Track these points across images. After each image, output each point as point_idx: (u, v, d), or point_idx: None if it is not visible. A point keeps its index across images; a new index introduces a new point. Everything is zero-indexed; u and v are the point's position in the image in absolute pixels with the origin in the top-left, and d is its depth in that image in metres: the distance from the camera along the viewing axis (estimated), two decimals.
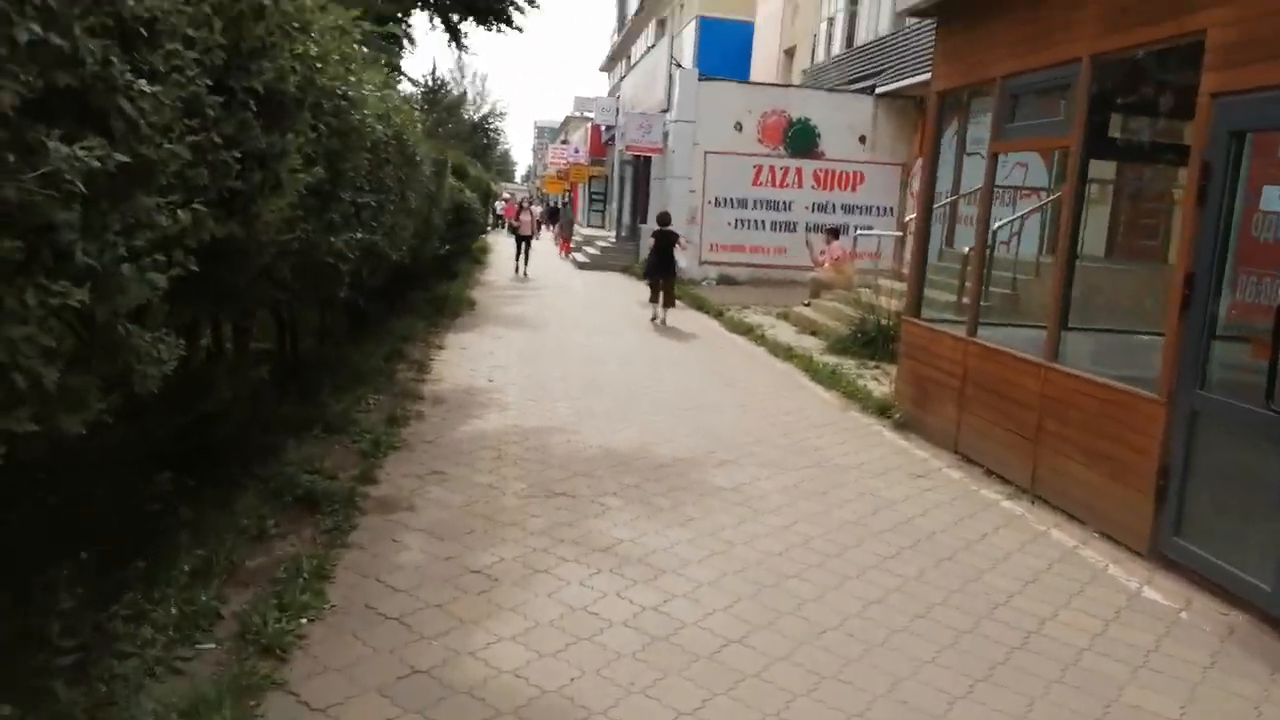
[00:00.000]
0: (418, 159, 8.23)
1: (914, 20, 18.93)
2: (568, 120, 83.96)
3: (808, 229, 21.14)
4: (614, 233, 29.59)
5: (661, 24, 44.20)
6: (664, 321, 13.51)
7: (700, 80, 20.91)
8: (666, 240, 14.20)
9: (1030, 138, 7.17)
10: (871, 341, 11.11)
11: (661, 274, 13.75)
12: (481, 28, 28.56)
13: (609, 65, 61.78)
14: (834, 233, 15.26)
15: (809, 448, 7.11)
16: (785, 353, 11.47)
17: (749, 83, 24.13)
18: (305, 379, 7.76)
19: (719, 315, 15.19)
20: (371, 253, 6.36)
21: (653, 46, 35.70)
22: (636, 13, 49.14)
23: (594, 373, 9.62)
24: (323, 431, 6.42)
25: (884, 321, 11.15)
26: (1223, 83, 4.53)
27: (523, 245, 21.95)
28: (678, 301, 17.17)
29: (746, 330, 13.35)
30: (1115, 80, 6.41)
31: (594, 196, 43.22)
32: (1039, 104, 7.23)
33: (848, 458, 6.91)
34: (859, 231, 16.98)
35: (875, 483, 6.28)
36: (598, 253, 26.44)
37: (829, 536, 5.15)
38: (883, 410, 8.43)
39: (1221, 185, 4.52)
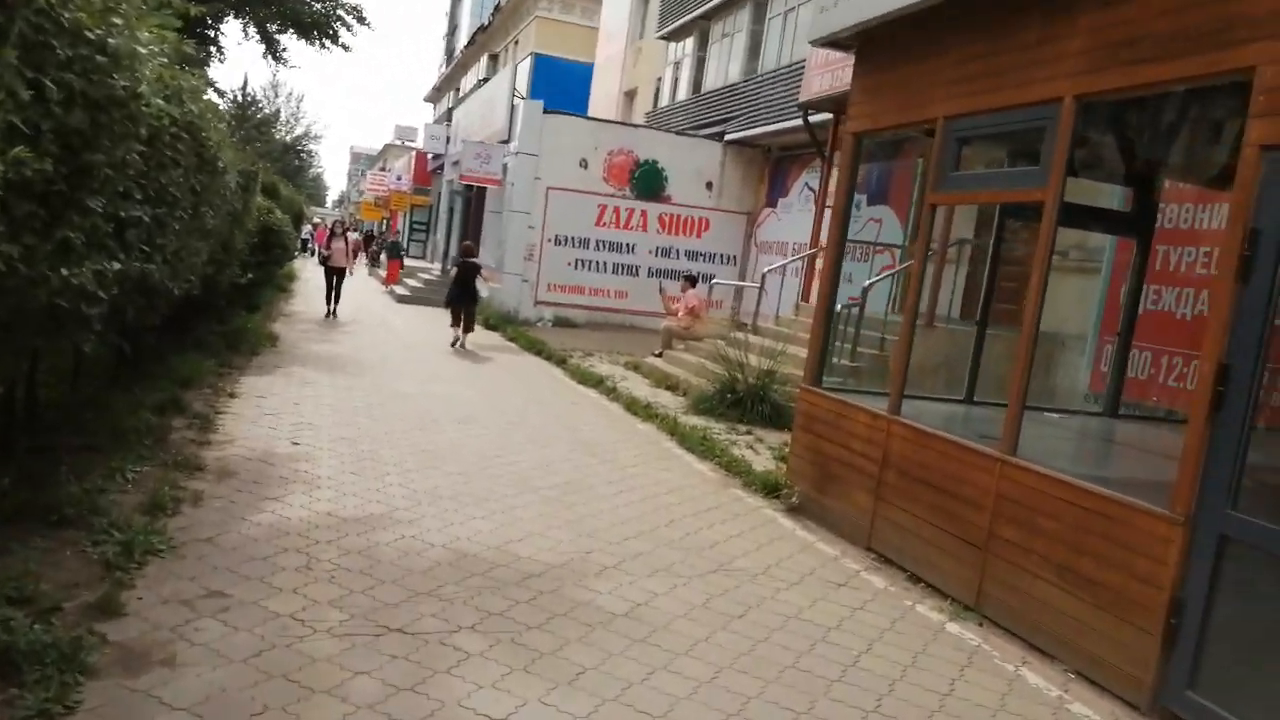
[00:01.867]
0: (220, 165, 6.40)
1: (787, 67, 18.71)
2: (387, 148, 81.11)
3: (650, 274, 20.27)
4: (439, 265, 27.70)
5: (494, 58, 42.98)
6: (463, 345, 14.54)
7: (545, 113, 19.64)
8: (468, 270, 15.09)
9: (984, 190, 6.25)
10: (739, 402, 10.04)
11: (462, 302, 14.70)
12: (304, 42, 26.34)
13: (435, 96, 59.81)
14: (691, 280, 14.27)
15: (702, 545, 5.81)
16: (644, 411, 10.22)
17: (596, 119, 23.08)
18: (36, 442, 5.76)
19: (562, 362, 13.80)
20: (143, 288, 4.59)
21: (484, 79, 34.31)
22: (468, 45, 47.71)
23: (429, 435, 7.98)
24: (50, 526, 4.53)
25: (751, 380, 10.13)
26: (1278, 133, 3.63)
27: (334, 280, 17.33)
28: (513, 344, 15.82)
29: (596, 382, 12.03)
30: (1102, 126, 5.61)
31: (416, 226, 41.02)
32: (976, 153, 6.37)
33: (750, 558, 5.66)
34: (715, 281, 16.09)
35: (794, 597, 5.05)
36: (420, 285, 24.48)
37: (770, 695, 3.83)
38: (770, 489, 7.29)
39: (1276, 258, 3.59)
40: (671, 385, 11.91)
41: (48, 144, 3.11)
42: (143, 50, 3.92)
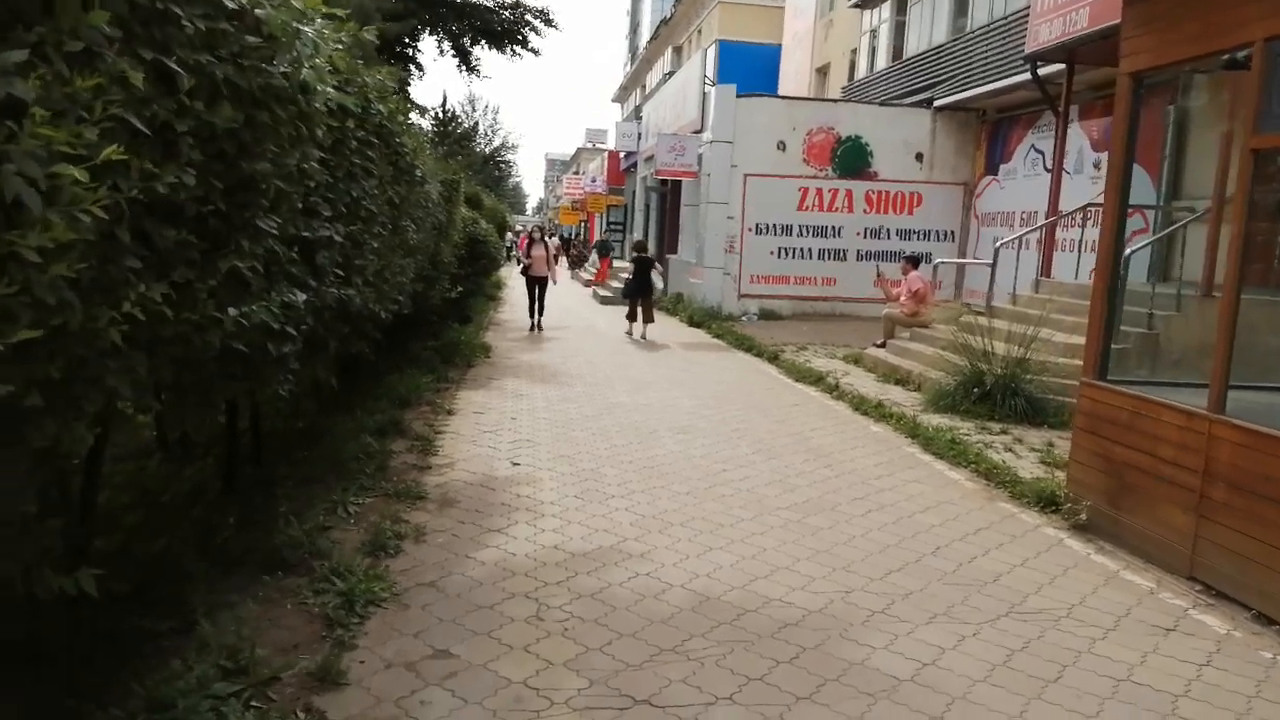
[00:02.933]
0: (418, 174, 6.11)
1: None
2: (579, 152, 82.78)
3: (859, 257, 19.10)
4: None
5: (678, 51, 42.65)
6: (644, 336, 15.31)
7: (739, 97, 18.88)
8: (644, 265, 16.27)
9: None
10: (987, 396, 8.89)
11: (640, 295, 15.59)
12: (495, 51, 26.88)
13: (622, 95, 60.39)
14: (912, 261, 13.09)
15: (981, 578, 4.90)
16: (876, 410, 9.28)
17: (792, 98, 22.13)
18: (261, 474, 5.65)
19: (774, 359, 13.02)
20: (344, 315, 4.26)
21: (670, 73, 33.94)
22: (650, 40, 47.70)
23: (650, 449, 7.44)
24: (271, 572, 4.28)
25: (1000, 371, 8.96)
26: None
27: (535, 290, 16.01)
28: (720, 341, 15.23)
29: (816, 379, 11.17)
30: None
31: (612, 226, 41.29)
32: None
33: (1045, 595, 4.70)
34: (938, 261, 14.79)
35: (1115, 650, 4.07)
36: (621, 285, 24.33)
37: None
38: (1045, 501, 6.23)
39: None
40: (901, 379, 10.86)
41: (188, 149, 2.47)
42: (307, 30, 3.30)
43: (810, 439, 8.14)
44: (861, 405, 9.57)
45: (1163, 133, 13.22)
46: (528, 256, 16.48)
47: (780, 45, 33.23)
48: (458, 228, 9.33)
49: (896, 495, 6.43)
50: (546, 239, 17.00)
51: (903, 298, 12.75)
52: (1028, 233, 13.43)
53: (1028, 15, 15.62)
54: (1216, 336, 4.91)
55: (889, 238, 19.13)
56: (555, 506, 5.73)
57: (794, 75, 31.64)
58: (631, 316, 15.43)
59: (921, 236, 19.11)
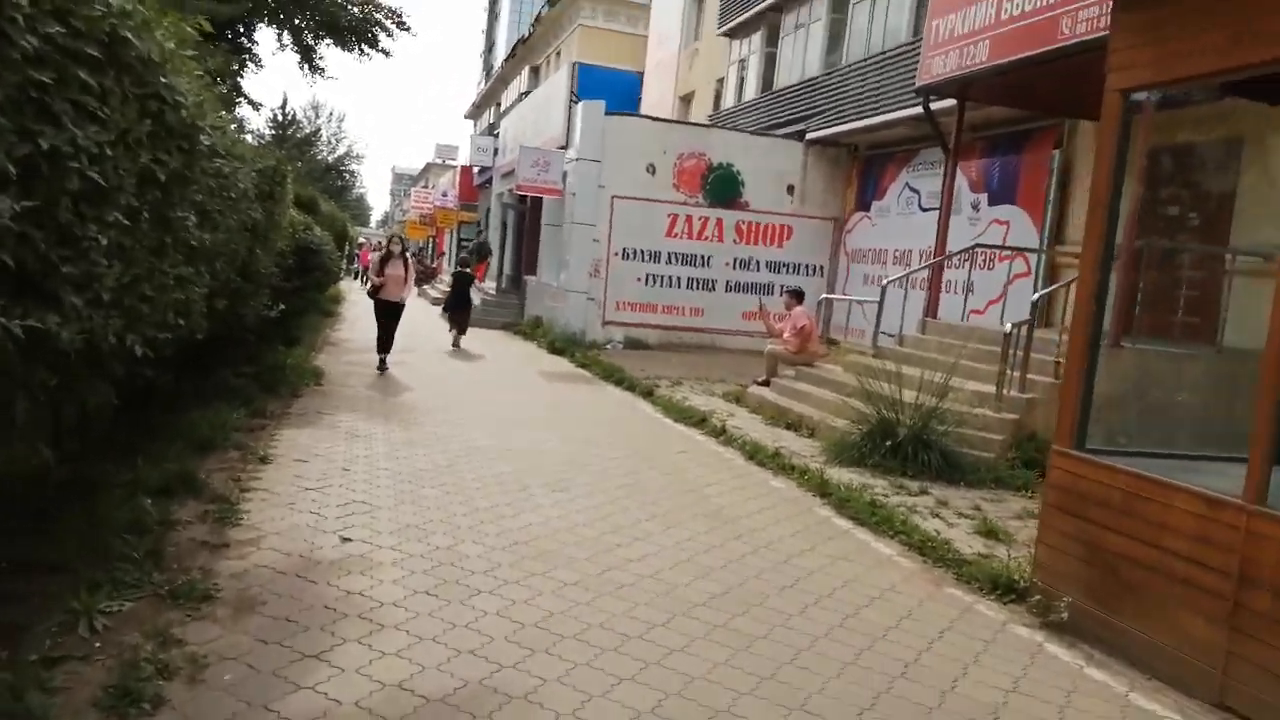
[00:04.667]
0: (204, 143, 4.24)
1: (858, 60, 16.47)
2: (429, 167, 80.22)
3: (728, 288, 18.27)
4: (492, 284, 25.92)
5: (535, 71, 41.48)
6: (458, 345, 16.08)
7: (607, 114, 17.74)
8: (464, 281, 17.21)
9: None
10: (898, 449, 7.93)
11: (458, 309, 16.73)
12: (341, 50, 24.81)
13: (475, 113, 58.60)
14: (796, 296, 12.16)
15: (977, 713, 3.73)
16: (773, 460, 8.16)
17: (664, 119, 21.22)
18: None
19: (649, 394, 11.78)
20: (42, 353, 2.63)
21: (525, 92, 32.60)
22: (507, 59, 46.37)
23: (521, 514, 5.98)
24: None
25: (911, 421, 8.02)
26: None
27: (386, 318, 12.46)
28: (586, 372, 13.93)
29: (699, 420, 9.99)
30: None
31: (463, 243, 39.35)
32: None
33: None
34: (824, 295, 13.96)
35: None
36: (475, 304, 22.64)
37: None
38: (1000, 587, 5.20)
39: None
40: (793, 424, 9.82)
41: None
42: None
43: (709, 497, 6.89)
44: (756, 454, 8.43)
45: (1047, 177, 12.94)
46: (379, 275, 12.45)
47: (639, 73, 32.51)
48: (282, 232, 7.60)
49: (829, 580, 5.24)
50: (406, 255, 13.21)
51: (786, 334, 11.80)
52: (915, 271, 12.79)
53: (906, 50, 15.25)
54: (1257, 413, 3.95)
55: (758, 269, 18.40)
56: (400, 611, 4.19)
57: (657, 103, 30.90)
58: (452, 328, 16.67)
59: (791, 270, 18.47)
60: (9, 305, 2.31)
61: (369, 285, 12.35)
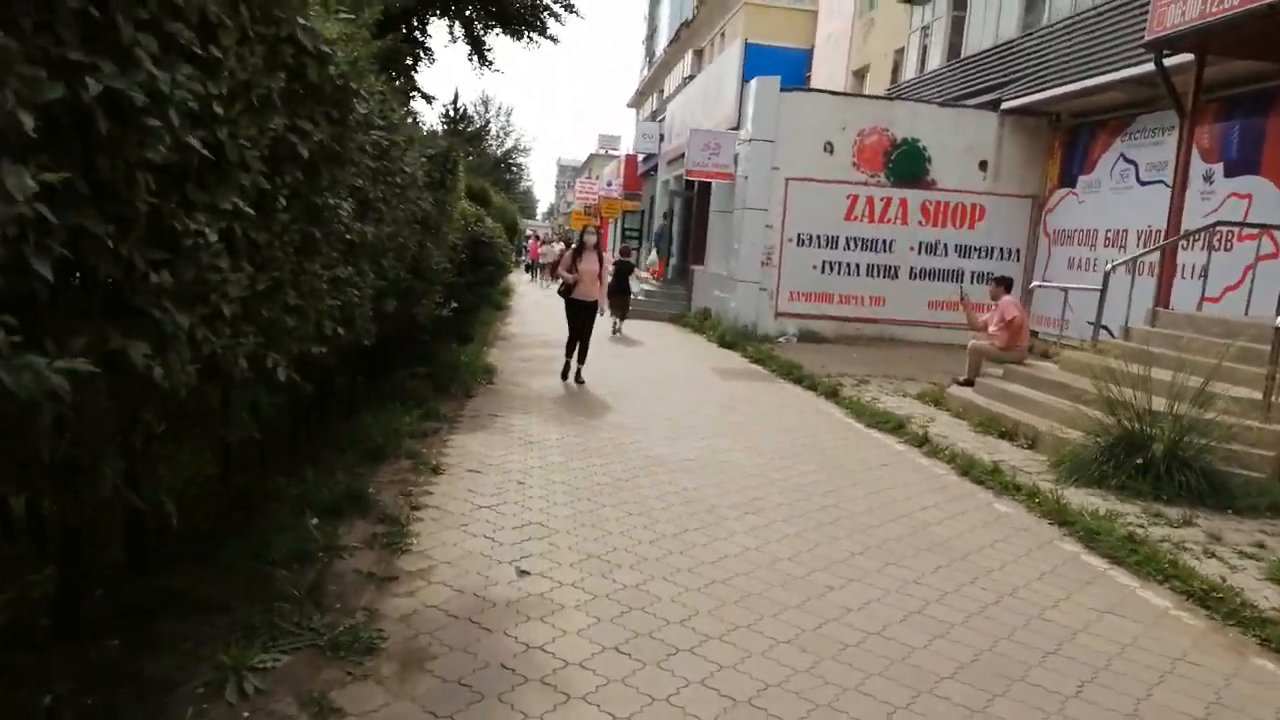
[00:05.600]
0: (360, 112, 3.54)
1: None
2: (592, 158, 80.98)
3: (912, 275, 16.96)
4: (649, 272, 25.43)
5: (699, 54, 40.74)
6: (619, 331, 16.11)
7: (783, 91, 16.75)
8: (625, 268, 17.42)
9: None
10: (1148, 467, 6.70)
11: (618, 294, 16.14)
12: (510, 38, 24.81)
13: (638, 101, 58.48)
14: (1003, 284, 10.87)
15: None
16: (993, 477, 7.09)
17: (843, 93, 20.07)
18: (146, 590, 3.53)
19: (833, 394, 10.84)
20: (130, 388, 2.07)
21: (689, 77, 31.85)
22: (670, 44, 45.86)
23: (712, 543, 5.26)
24: None
25: (1169, 435, 6.77)
26: None
27: (581, 323, 10.65)
28: (761, 368, 13.09)
29: (895, 425, 8.99)
30: None
31: (628, 233, 39.16)
32: None
33: None
34: (1036, 284, 12.55)
35: None
36: (641, 297, 22.20)
37: None
38: None
39: None
40: (1007, 432, 8.66)
41: None
42: None
43: (927, 525, 5.95)
44: (971, 469, 7.38)
45: None
46: (571, 269, 10.58)
47: (808, 50, 31.16)
48: (454, 224, 7.17)
49: (1100, 643, 4.24)
50: (601, 249, 11.17)
51: (992, 327, 10.56)
52: (1145, 254, 11.22)
53: (1122, 5, 13.52)
54: None
55: (946, 254, 16.98)
56: (588, 675, 3.54)
57: (827, 80, 29.55)
58: (613, 313, 16.06)
59: (984, 254, 16.97)
60: (63, 332, 1.69)
61: (559, 283, 10.73)
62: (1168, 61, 11.83)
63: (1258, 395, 7.26)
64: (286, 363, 2.82)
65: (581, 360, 10.67)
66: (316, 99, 2.63)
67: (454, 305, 7.24)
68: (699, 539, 5.28)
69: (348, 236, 3.30)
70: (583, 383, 10.47)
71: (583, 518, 5.53)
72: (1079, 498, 6.54)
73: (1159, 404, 6.98)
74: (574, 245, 11.19)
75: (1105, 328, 12.31)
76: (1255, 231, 11.21)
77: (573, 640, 3.82)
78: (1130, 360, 7.64)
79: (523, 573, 4.55)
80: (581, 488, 6.20)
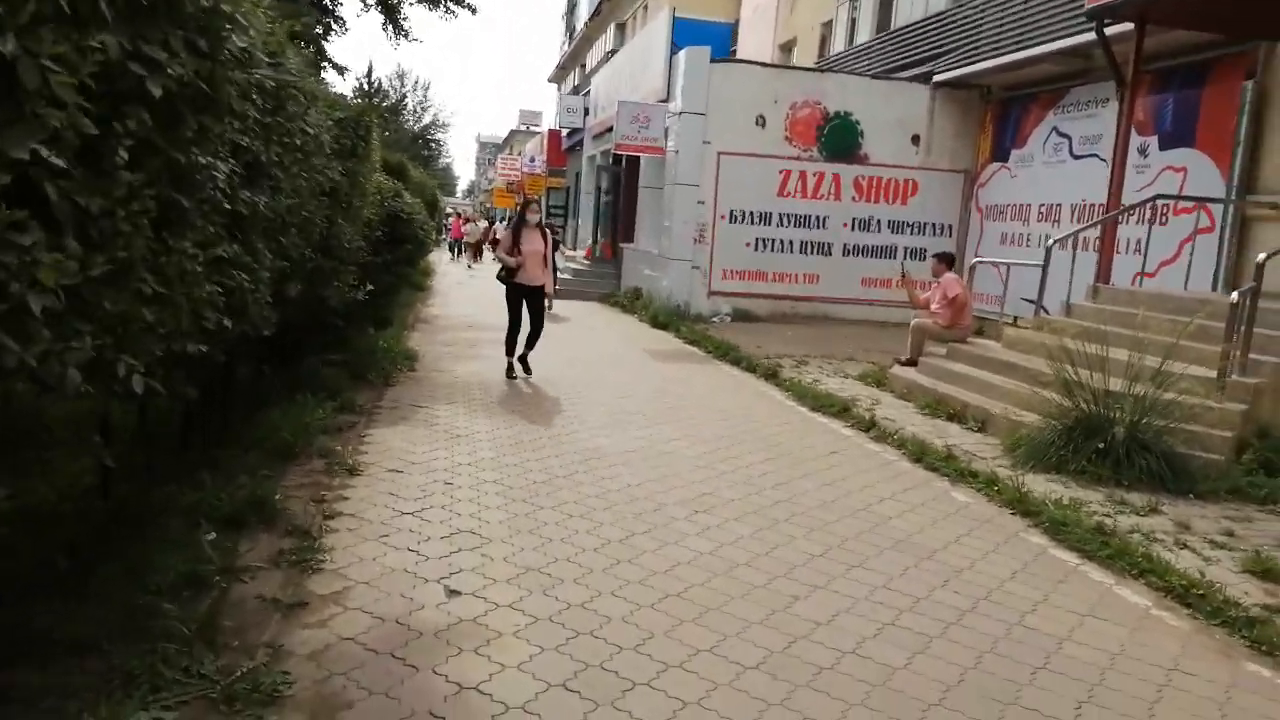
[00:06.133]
0: (238, 45, 2.73)
1: None
2: (513, 134, 79.46)
3: (846, 251, 16.73)
4: (582, 252, 24.81)
5: (621, 28, 40.00)
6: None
7: (713, 62, 16.27)
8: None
9: None
10: (1106, 450, 6.46)
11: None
12: (426, 6, 23.81)
13: (559, 75, 57.44)
14: (945, 260, 10.61)
15: None
16: (946, 463, 6.78)
17: (775, 65, 19.67)
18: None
19: (772, 376, 10.48)
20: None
21: (612, 51, 31.13)
22: (591, 18, 45.04)
23: (665, 552, 4.78)
24: None
25: (1130, 416, 6.54)
26: None
27: (524, 308, 9.66)
28: (696, 349, 12.68)
29: (840, 408, 8.65)
30: None
31: (553, 210, 38.38)
32: None
33: None
34: (977, 260, 12.34)
35: None
36: (568, 276, 21.60)
37: None
38: None
39: None
40: (956, 414, 8.39)
41: None
42: None
43: (886, 519, 5.57)
44: (924, 455, 7.05)
45: (1236, 115, 11.04)
46: (511, 251, 9.42)
47: (732, 24, 30.72)
48: (368, 199, 6.50)
49: (1088, 653, 3.90)
50: (544, 227, 10.10)
51: (934, 305, 10.31)
52: (1086, 228, 11.07)
53: None
54: None
55: (880, 230, 16.79)
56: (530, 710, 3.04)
57: (754, 53, 29.07)
58: None
59: (916, 229, 16.82)
60: None
61: (500, 268, 9.55)
62: (1086, 35, 11.74)
63: (1212, 373, 7.08)
64: (151, 366, 2.22)
65: (531, 346, 9.71)
66: (172, 19, 2.01)
67: (369, 288, 6.59)
68: (648, 544, 4.80)
69: (230, 207, 2.64)
70: (529, 373, 9.60)
71: (518, 522, 5.00)
72: (1039, 484, 6.26)
73: (1115, 384, 6.75)
74: (513, 223, 10.06)
75: (1040, 305, 12.21)
76: (1190, 205, 11.18)
77: (513, 677, 3.31)
78: (1080, 338, 7.40)
79: (452, 593, 4.01)
80: (516, 487, 5.67)
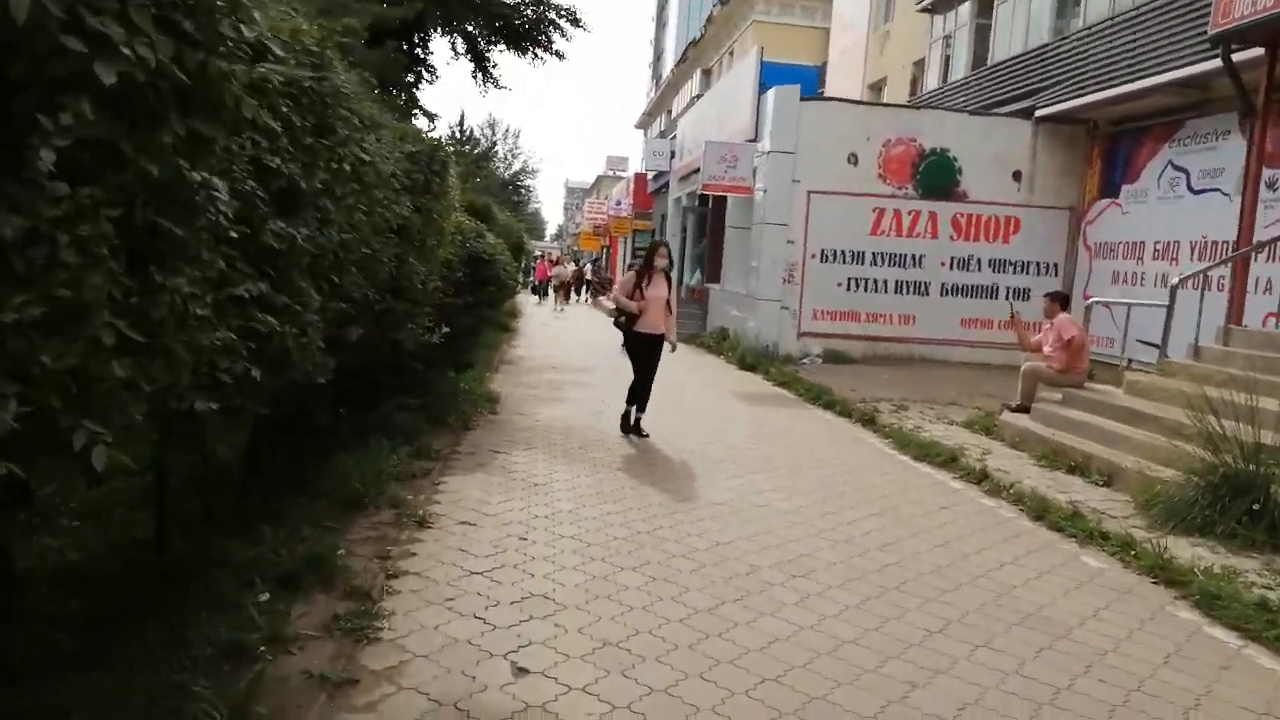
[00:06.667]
0: (275, 50, 2.54)
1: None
2: (600, 179, 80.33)
3: (944, 291, 15.97)
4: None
5: (707, 74, 40.12)
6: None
7: (802, 100, 15.86)
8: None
9: None
10: (1264, 510, 5.67)
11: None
12: (515, 54, 24.05)
13: (646, 121, 57.97)
14: (1059, 300, 9.85)
15: None
16: (1072, 523, 6.06)
17: (867, 103, 19.18)
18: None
19: (869, 422, 9.84)
20: None
21: (697, 96, 31.04)
22: (677, 64, 45.29)
23: (763, 627, 4.25)
24: None
25: (1270, 469, 5.75)
26: None
27: (644, 360, 8.67)
28: (786, 392, 12.13)
29: (946, 458, 7.99)
30: None
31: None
32: None
33: None
34: (1093, 300, 11.51)
35: None
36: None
37: None
38: None
39: None
40: (1077, 466, 7.63)
41: None
42: None
43: (1010, 589, 4.92)
44: (1046, 512, 6.35)
45: None
46: (631, 295, 8.53)
47: (818, 67, 30.33)
48: (446, 238, 6.22)
49: None
50: (669, 272, 8.89)
51: (1047, 347, 9.55)
52: (1213, 266, 10.20)
53: (1161, 6, 12.60)
54: None
55: (979, 269, 16.01)
56: None
57: (841, 94, 28.75)
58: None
59: (1019, 268, 15.99)
60: None
61: (616, 315, 8.72)
62: (1206, 64, 10.95)
63: None
64: (136, 428, 1.84)
65: (642, 407, 8.66)
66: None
67: (446, 330, 6.28)
68: (740, 615, 4.28)
69: (235, 235, 2.22)
70: (646, 435, 8.53)
71: (596, 586, 4.53)
72: (1182, 549, 5.52)
73: (1266, 436, 5.97)
74: (636, 267, 9.08)
75: (1157, 346, 11.30)
76: None
77: None
78: (1222, 385, 6.63)
79: (520, 671, 3.56)
80: (594, 544, 5.21)
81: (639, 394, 8.68)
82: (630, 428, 8.64)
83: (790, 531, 5.71)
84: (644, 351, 8.63)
